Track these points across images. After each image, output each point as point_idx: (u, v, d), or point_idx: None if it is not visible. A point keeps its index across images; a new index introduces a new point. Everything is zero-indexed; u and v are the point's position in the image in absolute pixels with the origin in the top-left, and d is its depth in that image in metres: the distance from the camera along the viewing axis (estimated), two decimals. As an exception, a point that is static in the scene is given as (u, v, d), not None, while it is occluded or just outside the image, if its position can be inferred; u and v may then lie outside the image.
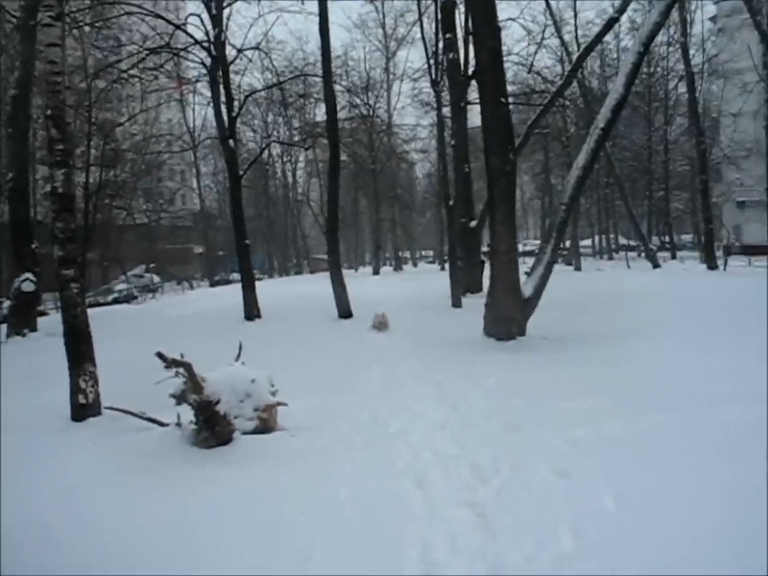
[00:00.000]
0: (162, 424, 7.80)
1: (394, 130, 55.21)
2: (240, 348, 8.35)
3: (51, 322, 18.92)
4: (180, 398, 7.14)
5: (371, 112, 49.74)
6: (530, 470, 5.88)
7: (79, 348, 8.96)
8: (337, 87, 49.02)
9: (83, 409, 8.82)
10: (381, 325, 16.32)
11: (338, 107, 43.16)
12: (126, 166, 47.91)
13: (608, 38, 38.07)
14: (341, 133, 49.60)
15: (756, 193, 49.49)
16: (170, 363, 6.95)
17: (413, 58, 72.21)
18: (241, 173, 21.09)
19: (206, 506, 5.66)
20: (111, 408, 8.47)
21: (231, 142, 20.03)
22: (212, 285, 53.89)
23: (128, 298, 41.39)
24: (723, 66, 42.62)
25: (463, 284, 21.41)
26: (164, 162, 58.44)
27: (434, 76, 22.57)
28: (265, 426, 7.51)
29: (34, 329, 20.10)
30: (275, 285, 39.12)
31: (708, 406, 7.30)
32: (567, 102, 36.46)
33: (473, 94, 26.09)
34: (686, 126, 52.40)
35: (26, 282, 20.17)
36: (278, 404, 7.61)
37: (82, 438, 7.84)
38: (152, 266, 54.48)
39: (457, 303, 19.77)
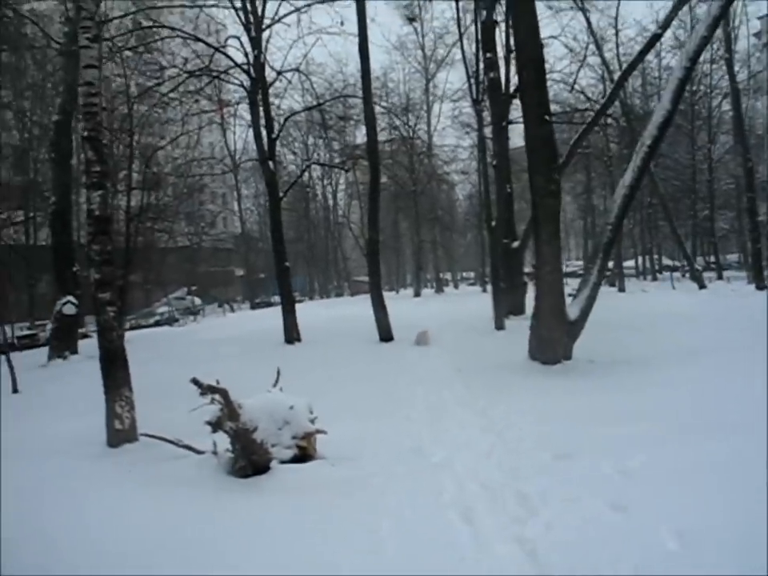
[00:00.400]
0: (198, 452, 7.59)
1: (435, 151, 55.04)
2: (278, 374, 8.11)
3: (92, 344, 18.80)
4: (216, 426, 6.92)
5: (411, 133, 49.63)
6: (583, 503, 5.53)
7: (115, 373, 8.82)
8: (377, 109, 49.50)
9: (119, 434, 8.67)
10: (422, 339, 16.80)
11: (378, 129, 43.09)
12: (168, 190, 48.32)
13: (650, 56, 37.52)
14: (381, 155, 49.73)
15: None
16: (205, 390, 6.74)
17: (452, 79, 72.64)
18: (281, 194, 21.01)
19: (242, 537, 5.41)
20: (147, 435, 8.29)
21: (271, 163, 19.99)
22: (253, 307, 53.99)
23: (170, 321, 41.67)
24: (769, 82, 41.84)
25: (506, 306, 21.06)
26: (205, 185, 58.77)
27: (474, 95, 22.36)
28: (303, 454, 7.26)
29: (75, 351, 20.18)
30: (316, 307, 38.99)
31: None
32: (609, 121, 36.07)
33: (514, 113, 25.90)
34: (730, 144, 51.61)
35: (68, 305, 20.27)
36: (317, 432, 7.36)
37: (118, 466, 7.65)
38: (194, 288, 54.77)
39: (500, 325, 19.42)
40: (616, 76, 27.37)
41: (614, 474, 6.16)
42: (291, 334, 19.41)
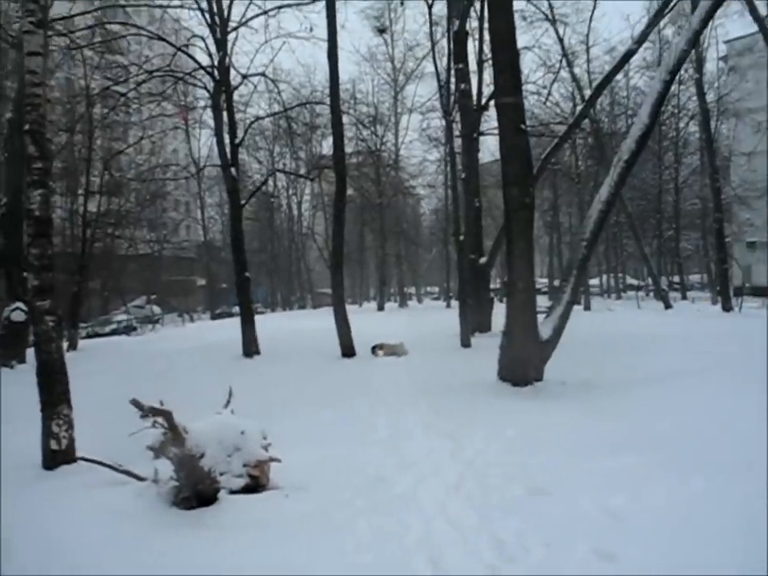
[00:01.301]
0: (139, 478, 6.91)
1: (402, 164, 54.72)
2: (230, 394, 7.40)
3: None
4: (159, 451, 6.25)
5: (378, 145, 49.20)
6: (566, 549, 4.93)
7: (53, 388, 8.08)
8: (345, 120, 49.11)
9: (55, 456, 7.92)
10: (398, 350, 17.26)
11: (346, 140, 42.70)
12: (131, 196, 47.44)
13: (619, 75, 37.53)
14: (347, 167, 49.39)
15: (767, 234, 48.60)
16: (146, 412, 6.07)
17: (421, 92, 72.59)
18: (243, 202, 20.32)
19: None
20: (84, 459, 7.57)
21: (233, 170, 19.28)
22: (213, 318, 53.03)
23: (127, 330, 40.67)
24: (735, 104, 41.98)
25: (472, 322, 20.50)
26: (168, 193, 57.85)
27: (445, 106, 21.80)
28: (256, 483, 6.61)
29: (22, 360, 19.16)
30: (278, 319, 38.29)
31: (759, 468, 6.33)
32: (579, 139, 35.89)
33: (485, 125, 25.48)
34: (696, 165, 51.90)
35: (17, 312, 19.33)
36: (271, 460, 6.70)
37: (48, 493, 6.91)
38: (153, 297, 53.66)
39: (466, 343, 18.84)
40: (586, 93, 27.17)
41: (596, 514, 5.58)
42: (250, 348, 18.68)
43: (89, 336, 38.30)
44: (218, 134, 20.00)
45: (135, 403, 6.01)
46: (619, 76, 40.44)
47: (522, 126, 11.72)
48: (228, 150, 19.60)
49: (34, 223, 7.99)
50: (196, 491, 6.30)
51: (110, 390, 12.12)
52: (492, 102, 23.68)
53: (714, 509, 5.47)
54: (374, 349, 17.84)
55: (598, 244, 14.39)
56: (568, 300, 12.36)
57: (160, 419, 6.12)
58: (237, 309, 50.58)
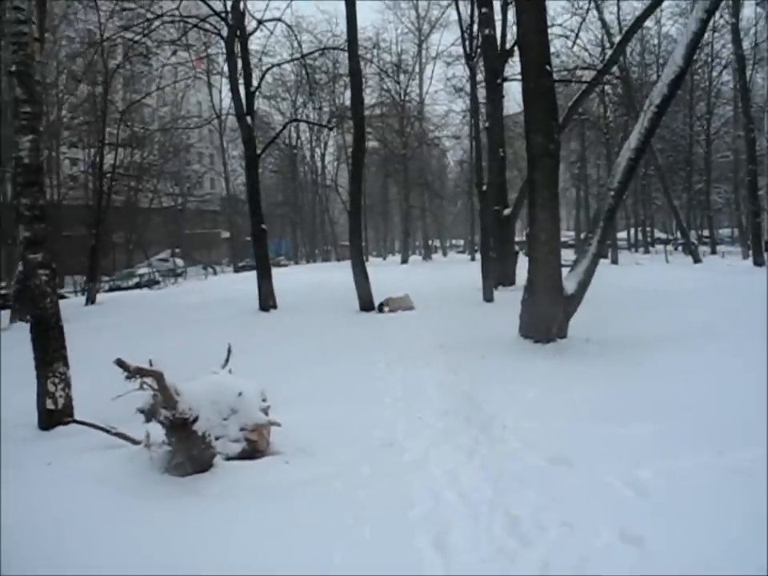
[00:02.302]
0: (134, 441, 6.51)
1: (426, 115, 53.73)
2: (229, 352, 6.92)
3: (65, 307, 17.77)
4: (149, 414, 5.81)
5: (402, 96, 48.25)
6: (587, 530, 4.44)
7: (48, 345, 7.72)
8: (368, 70, 48.13)
9: (51, 416, 7.58)
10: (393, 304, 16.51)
11: (369, 91, 41.73)
12: (154, 148, 47.11)
13: (649, 22, 36.32)
14: (371, 118, 48.56)
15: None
16: (133, 373, 5.61)
17: (446, 41, 70.17)
18: (259, 152, 19.73)
19: (166, 557, 4.34)
20: (76, 421, 7.18)
21: (249, 118, 18.64)
22: (236, 270, 52.76)
23: (150, 283, 40.42)
24: (772, 52, 40.46)
25: (495, 276, 19.94)
26: (191, 146, 57.55)
27: (468, 51, 20.93)
28: (253, 449, 6.18)
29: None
30: (300, 272, 37.83)
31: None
32: (608, 88, 34.80)
33: (509, 71, 24.66)
34: (728, 117, 50.46)
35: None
36: (271, 423, 6.27)
37: (38, 455, 6.54)
38: (177, 250, 53.52)
39: (489, 297, 18.29)
40: (616, 40, 26.11)
41: (621, 488, 5.09)
42: (266, 301, 18.24)
43: (111, 290, 38.30)
44: (233, 81, 19.29)
45: (120, 363, 5.56)
46: (650, 23, 39.26)
47: (547, 68, 10.97)
48: (243, 98, 18.94)
49: (24, 171, 7.54)
50: (190, 457, 5.90)
51: (118, 345, 11.68)
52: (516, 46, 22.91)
53: (748, 485, 4.95)
54: (380, 306, 17.32)
55: (626, 195, 13.66)
56: (594, 253, 11.74)
57: (149, 380, 5.67)
58: (258, 261, 50.58)
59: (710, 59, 45.13)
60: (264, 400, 6.37)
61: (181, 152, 53.71)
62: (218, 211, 65.93)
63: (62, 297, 34.05)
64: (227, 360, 6.81)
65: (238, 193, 62.48)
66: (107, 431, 6.76)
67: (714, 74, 46.98)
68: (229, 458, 6.02)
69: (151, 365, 5.69)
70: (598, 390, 8.03)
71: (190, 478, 5.77)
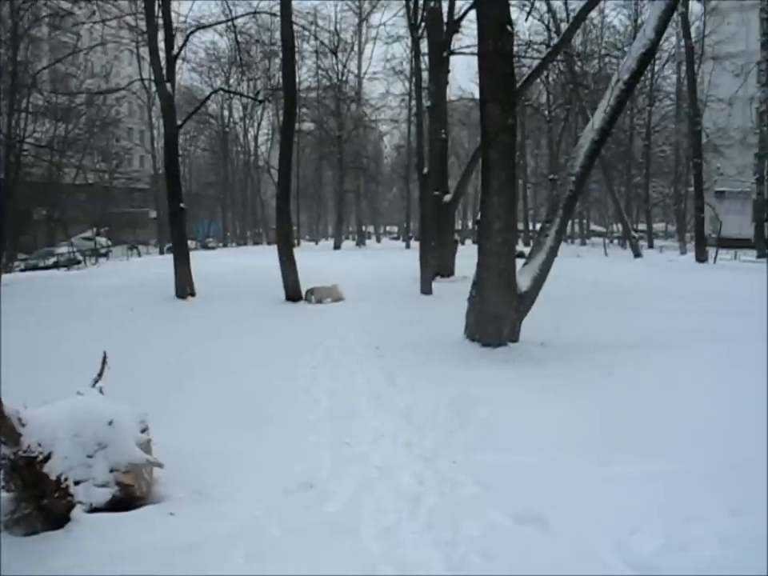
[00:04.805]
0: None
1: (364, 96, 52.26)
2: (103, 362, 5.29)
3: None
4: (-23, 453, 4.24)
5: (340, 75, 46.68)
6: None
7: None
8: (305, 46, 46.38)
9: None
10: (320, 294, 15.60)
11: (305, 70, 40.06)
12: (80, 121, 44.88)
13: (593, 13, 35.54)
14: (307, 99, 46.80)
15: (738, 183, 47.06)
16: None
17: (388, 20, 68.19)
18: (179, 123, 17.92)
19: None
20: None
21: (169, 85, 16.78)
22: (162, 252, 50.50)
23: (70, 263, 38.15)
24: (714, 47, 39.87)
25: (434, 266, 18.55)
26: (120, 120, 55.07)
27: (412, 21, 19.38)
28: (128, 495, 4.64)
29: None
30: (227, 255, 36.12)
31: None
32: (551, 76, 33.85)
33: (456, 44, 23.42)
34: (666, 111, 50.17)
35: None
36: (151, 464, 4.72)
37: None
38: (104, 229, 51.19)
39: (427, 289, 16.92)
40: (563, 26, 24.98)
41: (619, 568, 3.73)
42: (183, 288, 16.46)
43: (27, 269, 36.19)
44: (152, 43, 17.31)
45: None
46: (594, 13, 38.50)
47: (508, 28, 9.49)
48: (164, 63, 17.05)
49: None
50: (40, 508, 4.35)
51: (7, 338, 9.98)
52: (463, 21, 21.63)
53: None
54: (306, 294, 15.88)
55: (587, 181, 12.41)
56: (551, 245, 10.42)
57: (-24, 407, 4.11)
58: (190, 243, 48.69)
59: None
60: (144, 430, 4.84)
61: (109, 126, 51.29)
62: (147, 189, 63.51)
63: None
64: (101, 373, 5.22)
65: (166, 171, 60.11)
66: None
67: (656, 68, 46.49)
68: (94, 509, 4.48)
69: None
70: (565, 409, 6.70)
71: (38, 537, 4.25)
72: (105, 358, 5.27)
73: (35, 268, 36.59)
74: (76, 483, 4.45)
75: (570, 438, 5.82)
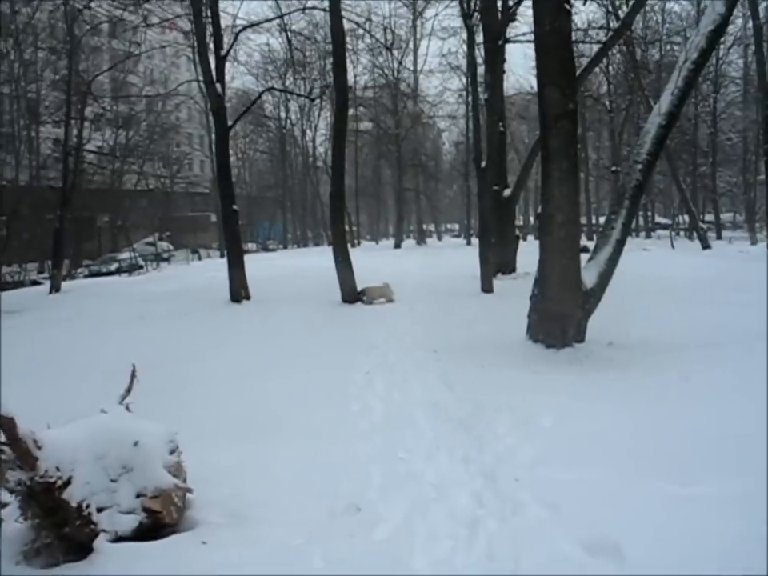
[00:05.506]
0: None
1: (421, 93, 51.75)
2: (132, 375, 4.89)
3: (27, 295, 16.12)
4: (-6, 477, 3.90)
5: (395, 73, 46.29)
6: None
7: None
8: (360, 46, 46.12)
9: None
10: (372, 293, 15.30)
11: (360, 69, 39.66)
12: (140, 128, 45.57)
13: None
14: (363, 98, 46.48)
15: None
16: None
17: (442, 15, 67.15)
18: (230, 124, 17.62)
19: None
20: None
21: (218, 86, 16.48)
22: (222, 255, 50.79)
23: (132, 268, 38.58)
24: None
25: (494, 263, 17.96)
26: (180, 126, 55.79)
27: (465, 10, 18.79)
28: (155, 522, 4.23)
29: None
30: (287, 257, 35.97)
31: None
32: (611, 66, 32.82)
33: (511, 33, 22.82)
34: (732, 97, 48.56)
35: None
36: (180, 489, 4.31)
37: None
38: (167, 234, 51.72)
39: (487, 288, 16.32)
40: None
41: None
42: (238, 292, 16.12)
43: (90, 275, 36.75)
44: (200, 44, 17.03)
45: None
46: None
47: (566, 6, 8.89)
48: (213, 63, 16.76)
49: None
50: (61, 537, 3.99)
51: (51, 346, 9.79)
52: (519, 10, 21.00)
53: None
54: (360, 295, 15.49)
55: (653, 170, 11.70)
56: (618, 238, 9.80)
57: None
58: (250, 245, 48.66)
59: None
60: (174, 450, 4.44)
61: (168, 132, 51.96)
62: (207, 194, 64.12)
63: (36, 283, 32.50)
64: (129, 389, 4.82)
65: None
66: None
67: (721, 52, 44.92)
68: (119, 538, 4.10)
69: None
70: (639, 418, 6.11)
71: (59, 569, 3.90)
72: (134, 371, 4.87)
73: (98, 274, 37.05)
74: (99, 510, 4.09)
75: (646, 453, 5.25)
